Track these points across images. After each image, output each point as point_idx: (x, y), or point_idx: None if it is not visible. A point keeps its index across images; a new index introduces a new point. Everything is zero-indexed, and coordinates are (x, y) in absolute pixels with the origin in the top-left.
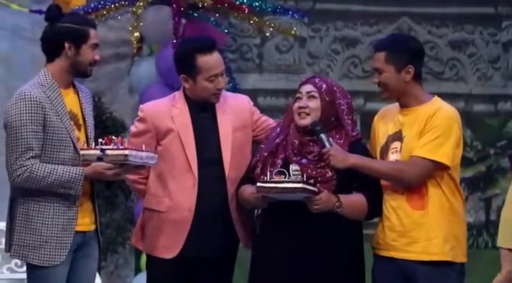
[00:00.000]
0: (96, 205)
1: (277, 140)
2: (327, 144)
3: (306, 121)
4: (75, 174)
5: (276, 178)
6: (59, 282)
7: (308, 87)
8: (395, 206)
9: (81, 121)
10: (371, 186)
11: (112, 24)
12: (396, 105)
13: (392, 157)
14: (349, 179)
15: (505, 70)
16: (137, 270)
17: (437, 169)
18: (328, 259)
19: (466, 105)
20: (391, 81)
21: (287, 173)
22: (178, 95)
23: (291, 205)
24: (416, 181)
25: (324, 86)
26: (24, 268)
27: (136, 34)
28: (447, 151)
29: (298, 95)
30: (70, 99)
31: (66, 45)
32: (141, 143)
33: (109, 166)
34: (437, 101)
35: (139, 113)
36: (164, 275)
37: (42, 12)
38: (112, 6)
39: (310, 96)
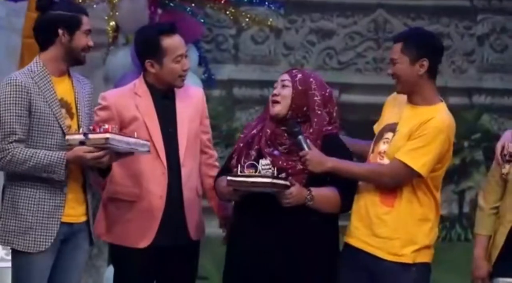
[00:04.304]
0: (88, 196)
1: (254, 131)
2: (305, 146)
3: (276, 109)
4: (57, 157)
5: (247, 171)
6: (43, 270)
7: (283, 76)
8: (366, 195)
9: (73, 110)
10: (345, 179)
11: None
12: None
13: (382, 147)
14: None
15: (480, 63)
16: (111, 261)
17: (414, 176)
18: (301, 250)
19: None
20: (404, 72)
21: (258, 166)
22: (139, 82)
23: (264, 195)
24: (393, 184)
25: (299, 75)
26: None
27: (112, 23)
28: (426, 162)
29: (274, 85)
30: (63, 88)
31: (60, 31)
32: None
33: (90, 149)
34: (438, 108)
35: (101, 101)
36: (135, 266)
37: (16, 0)
38: None
39: (283, 85)
